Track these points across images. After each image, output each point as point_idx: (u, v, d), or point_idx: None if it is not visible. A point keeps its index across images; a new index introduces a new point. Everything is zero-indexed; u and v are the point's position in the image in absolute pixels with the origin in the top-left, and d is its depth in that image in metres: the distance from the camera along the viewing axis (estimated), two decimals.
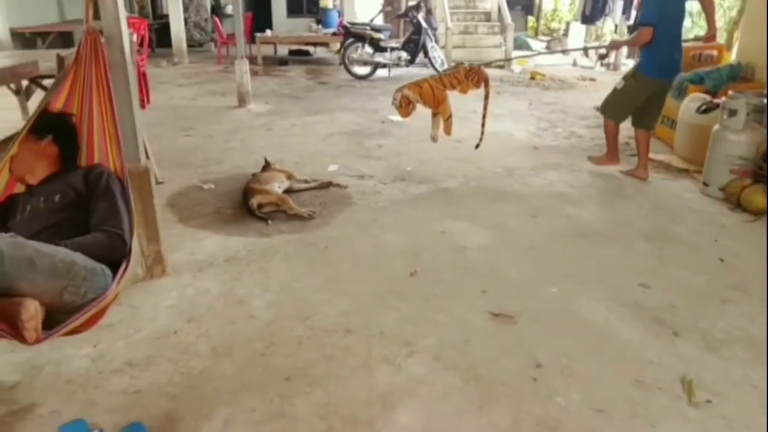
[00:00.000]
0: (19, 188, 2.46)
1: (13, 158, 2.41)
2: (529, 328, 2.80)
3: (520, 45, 13.41)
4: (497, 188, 4.78)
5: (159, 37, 13.51)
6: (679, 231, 3.98)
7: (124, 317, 2.75)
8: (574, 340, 2.70)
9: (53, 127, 2.48)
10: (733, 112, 4.41)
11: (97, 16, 2.68)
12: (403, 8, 13.04)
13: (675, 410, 2.27)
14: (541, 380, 2.41)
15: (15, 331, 1.70)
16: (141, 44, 7.55)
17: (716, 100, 5.12)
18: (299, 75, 10.85)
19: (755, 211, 4.19)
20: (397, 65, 10.55)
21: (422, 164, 5.36)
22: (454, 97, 4.80)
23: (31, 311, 1.71)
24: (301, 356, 2.52)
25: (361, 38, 10.36)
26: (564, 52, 12.71)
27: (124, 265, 2.09)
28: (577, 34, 13.57)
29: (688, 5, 4.84)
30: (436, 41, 11.09)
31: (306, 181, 4.72)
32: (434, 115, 4.82)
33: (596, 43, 12.20)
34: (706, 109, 5.17)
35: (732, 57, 6.43)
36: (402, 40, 11.23)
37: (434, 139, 4.88)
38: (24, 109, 5.20)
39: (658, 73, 4.71)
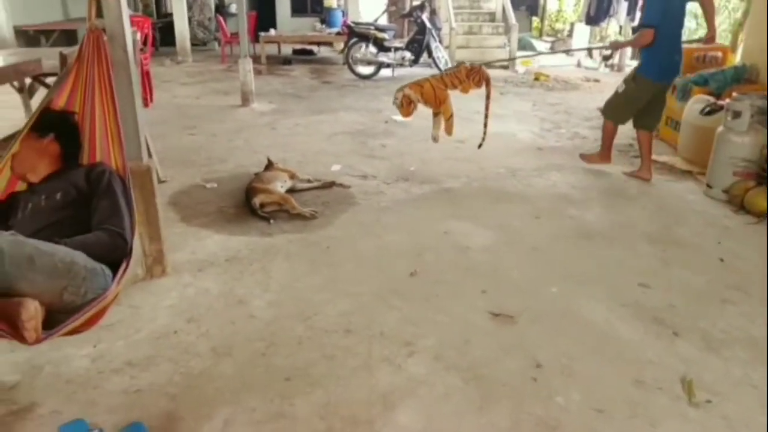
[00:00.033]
0: (21, 186, 2.46)
1: (15, 156, 2.41)
2: (530, 328, 2.80)
3: (524, 46, 13.40)
4: (500, 189, 4.77)
5: (163, 35, 13.52)
6: (682, 233, 3.97)
7: (124, 317, 2.75)
8: (575, 340, 2.70)
9: (55, 125, 2.48)
10: (737, 114, 4.40)
11: (100, 14, 2.69)
12: (408, 8, 13.03)
13: (675, 410, 2.26)
14: (541, 380, 2.41)
15: (15, 331, 1.70)
16: (145, 43, 7.55)
17: (720, 102, 5.11)
18: (303, 74, 10.86)
19: (758, 213, 4.18)
20: (401, 65, 10.54)
21: (425, 164, 5.35)
22: (456, 97, 4.80)
23: (31, 311, 1.71)
24: (302, 356, 2.52)
25: (365, 38, 10.35)
26: (565, 52, 12.71)
27: (124, 265, 2.09)
28: (582, 35, 13.55)
29: (691, 7, 4.84)
30: (440, 41, 11.08)
31: (309, 181, 4.72)
32: (435, 114, 4.82)
33: (600, 44, 12.16)
34: (710, 110, 5.16)
35: (736, 59, 6.40)
36: (406, 40, 11.22)
37: (435, 139, 4.88)
38: (27, 107, 5.20)
39: (659, 75, 4.74)
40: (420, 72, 9.98)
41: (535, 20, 16.85)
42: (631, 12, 11.48)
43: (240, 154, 5.60)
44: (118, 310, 2.74)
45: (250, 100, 7.86)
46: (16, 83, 5.11)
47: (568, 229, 3.99)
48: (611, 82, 9.20)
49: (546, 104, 8.35)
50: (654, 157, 5.24)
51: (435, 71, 9.62)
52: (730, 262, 3.54)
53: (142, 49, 5.57)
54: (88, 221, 2.23)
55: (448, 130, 4.79)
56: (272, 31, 12.55)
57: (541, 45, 14.19)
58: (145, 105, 4.99)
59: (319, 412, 2.19)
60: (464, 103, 5.46)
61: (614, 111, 5.04)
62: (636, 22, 11.03)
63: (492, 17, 13.01)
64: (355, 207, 4.31)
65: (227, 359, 2.49)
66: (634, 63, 6.29)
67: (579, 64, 12.32)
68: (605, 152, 5.23)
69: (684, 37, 5.06)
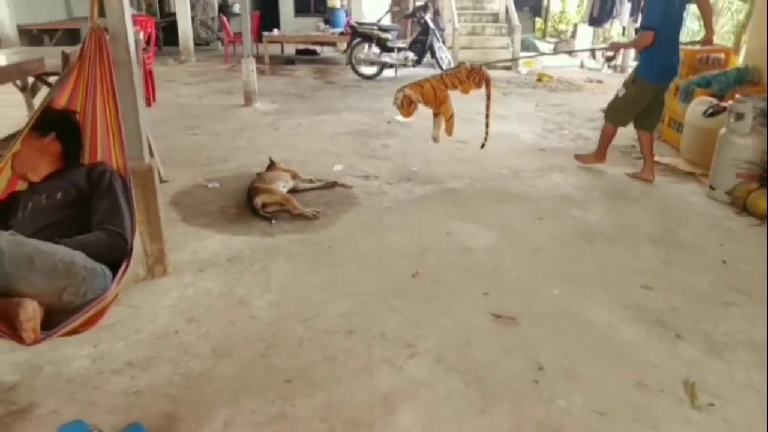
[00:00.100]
0: (22, 185, 2.45)
1: (16, 155, 2.40)
2: (531, 330, 2.79)
3: (527, 46, 13.38)
4: (503, 189, 4.76)
5: (166, 35, 13.54)
6: (684, 234, 3.96)
7: (124, 317, 2.75)
8: (576, 342, 2.69)
9: (56, 125, 2.47)
10: (740, 116, 4.39)
11: (102, 13, 2.68)
12: (411, 9, 13.02)
13: (677, 413, 2.25)
14: (542, 383, 2.40)
15: (13, 332, 1.69)
16: (148, 42, 7.56)
17: (723, 104, 5.09)
18: (306, 74, 10.86)
19: (760, 216, 4.16)
20: (404, 65, 10.54)
21: (428, 165, 5.35)
22: (457, 98, 4.79)
23: (30, 312, 1.70)
24: (302, 357, 2.51)
25: (368, 38, 10.34)
26: (566, 53, 12.68)
27: (124, 265, 2.09)
28: (585, 36, 13.52)
29: (694, 9, 4.85)
30: (444, 42, 11.07)
31: (311, 181, 4.71)
32: (435, 115, 4.81)
33: (601, 46, 12.15)
34: (713, 112, 5.14)
35: (739, 60, 6.38)
36: (409, 40, 11.22)
37: (435, 139, 4.88)
38: (30, 106, 5.20)
39: (658, 78, 4.78)
40: (423, 72, 9.96)
41: (539, 21, 16.82)
42: (634, 13, 11.47)
43: (242, 153, 5.60)
44: (118, 310, 2.74)
45: (252, 99, 7.85)
46: (18, 82, 5.12)
47: (571, 230, 3.97)
48: (614, 83, 9.17)
49: (549, 105, 8.34)
50: (657, 158, 5.24)
51: (438, 72, 9.62)
52: (732, 264, 3.53)
53: (145, 49, 5.58)
54: (89, 221, 2.22)
55: (449, 131, 4.78)
56: (275, 31, 12.52)
57: (544, 46, 14.17)
58: (148, 104, 4.99)
59: (320, 414, 2.18)
60: (466, 103, 5.44)
61: (615, 114, 5.08)
62: (639, 24, 11.05)
63: (495, 18, 13.00)
64: (357, 207, 4.30)
65: (227, 360, 2.48)
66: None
67: (582, 65, 12.31)
68: (600, 152, 5.29)
69: (685, 39, 5.07)
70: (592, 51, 12.19)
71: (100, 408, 2.17)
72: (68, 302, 1.90)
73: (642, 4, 10.96)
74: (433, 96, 4.61)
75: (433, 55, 10.59)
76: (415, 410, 2.22)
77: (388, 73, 10.47)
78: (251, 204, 4.11)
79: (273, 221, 3.95)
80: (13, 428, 2.07)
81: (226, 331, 2.69)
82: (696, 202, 4.57)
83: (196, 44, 12.48)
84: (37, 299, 1.78)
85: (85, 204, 2.27)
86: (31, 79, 5.14)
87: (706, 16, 4.87)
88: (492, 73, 4.81)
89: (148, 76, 5.13)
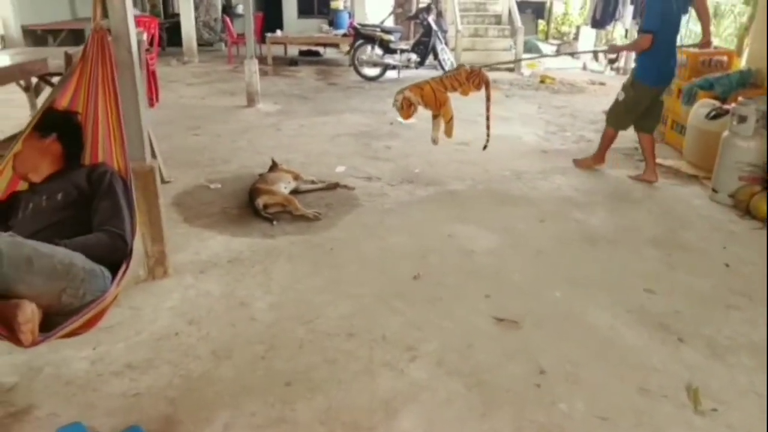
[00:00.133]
0: (22, 186, 2.45)
1: (17, 156, 2.39)
2: (533, 333, 2.78)
3: (530, 48, 13.37)
4: (505, 191, 4.75)
5: (170, 35, 13.53)
6: (687, 237, 3.94)
7: (124, 318, 2.74)
8: (579, 346, 2.67)
9: (58, 125, 2.46)
10: (742, 119, 4.37)
11: (105, 14, 2.68)
12: (414, 10, 13.01)
13: (680, 418, 2.24)
14: (544, 387, 2.38)
15: (11, 334, 1.69)
16: (151, 43, 7.56)
17: (726, 107, 5.08)
18: (309, 75, 10.86)
19: (762, 219, 4.15)
20: (407, 67, 10.53)
21: (430, 166, 5.34)
22: (460, 100, 4.78)
23: (28, 314, 1.70)
24: (303, 360, 2.50)
25: (371, 40, 10.34)
26: (565, 54, 12.67)
27: (124, 267, 2.08)
28: (588, 38, 13.51)
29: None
30: (446, 43, 11.07)
31: (313, 182, 4.71)
32: (435, 117, 4.81)
33: (604, 48, 12.13)
34: (716, 115, 5.13)
35: (742, 63, 6.37)
36: (412, 42, 11.21)
37: (435, 141, 4.87)
38: (33, 106, 5.21)
39: (657, 81, 4.83)
40: (426, 74, 9.95)
41: (541, 23, 16.82)
42: (636, 15, 11.45)
43: (244, 154, 5.59)
44: (118, 312, 2.73)
45: (255, 100, 7.85)
46: (22, 82, 5.12)
47: (573, 233, 3.96)
48: (617, 86, 9.14)
49: (551, 107, 8.32)
50: (659, 160, 5.23)
51: (441, 73, 9.62)
52: (735, 268, 3.51)
53: (148, 50, 5.58)
54: (89, 222, 2.21)
55: (448, 133, 4.78)
56: (279, 32, 12.54)
57: (547, 48, 14.15)
58: (151, 105, 5.00)
59: (320, 417, 2.17)
60: (468, 105, 5.44)
61: (616, 118, 5.11)
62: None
63: (498, 20, 12.98)
64: (358, 209, 4.30)
65: (227, 362, 2.47)
66: None
67: (585, 67, 12.29)
68: (599, 155, 5.32)
69: (687, 42, 5.09)
70: (595, 53, 12.18)
71: (99, 410, 2.16)
72: (67, 304, 1.89)
73: (642, 7, 10.99)
74: (433, 98, 4.61)
75: (436, 56, 10.59)
76: (416, 414, 2.21)
77: (390, 74, 10.47)
78: (253, 205, 4.10)
79: (274, 222, 3.94)
80: (12, 430, 2.06)
81: (226, 333, 2.68)
82: (699, 205, 4.56)
83: (199, 45, 12.48)
84: (36, 301, 1.77)
85: (86, 205, 2.26)
86: (34, 80, 5.15)
87: (704, 19, 4.94)
88: (495, 75, 4.82)
89: (151, 76, 5.13)
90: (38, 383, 2.30)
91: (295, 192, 4.45)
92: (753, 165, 4.37)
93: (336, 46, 12.93)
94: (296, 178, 4.59)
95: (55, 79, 4.70)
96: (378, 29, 10.72)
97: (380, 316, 2.86)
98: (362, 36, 10.43)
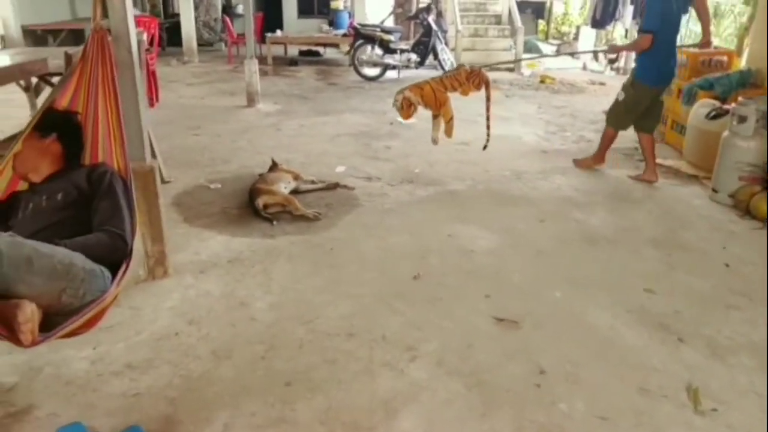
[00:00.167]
0: (23, 186, 2.45)
1: (17, 156, 2.39)
2: (533, 333, 2.78)
3: (530, 48, 13.37)
4: (505, 191, 4.75)
5: (170, 35, 13.54)
6: (687, 237, 3.94)
7: (124, 319, 2.74)
8: (579, 346, 2.67)
9: (58, 125, 2.46)
10: (742, 119, 4.38)
11: (106, 15, 2.68)
12: (414, 10, 13.02)
13: (680, 418, 2.24)
14: (544, 387, 2.38)
15: (11, 334, 1.68)
16: (151, 43, 7.56)
17: (726, 107, 5.08)
18: (309, 75, 10.86)
19: (762, 219, 4.15)
20: (407, 67, 10.53)
21: (430, 166, 5.34)
22: (460, 100, 4.78)
23: (28, 314, 1.69)
24: (303, 360, 2.50)
25: (371, 40, 10.34)
26: (565, 54, 12.67)
27: (124, 267, 2.08)
28: (588, 38, 13.51)
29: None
30: (446, 43, 11.07)
31: (313, 182, 4.71)
32: (435, 117, 4.81)
33: (604, 48, 12.14)
34: (716, 115, 5.13)
35: (742, 63, 6.37)
36: (412, 42, 11.21)
37: (435, 141, 4.88)
38: (33, 106, 5.22)
39: (657, 81, 4.84)
40: (426, 74, 9.95)
41: (541, 23, 16.82)
42: (636, 15, 11.46)
43: (244, 154, 5.59)
44: (119, 312, 2.73)
45: (255, 100, 7.85)
46: (22, 82, 5.13)
47: (573, 233, 3.96)
48: (617, 86, 9.14)
49: (551, 107, 8.32)
50: (659, 160, 5.23)
51: (441, 73, 9.62)
52: (735, 268, 3.51)
53: (148, 50, 5.58)
54: (89, 222, 2.21)
55: (448, 133, 4.78)
56: (279, 32, 12.54)
57: (547, 48, 14.15)
58: (151, 105, 5.00)
59: (320, 417, 2.17)
60: (468, 105, 5.44)
61: (616, 118, 5.13)
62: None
63: (498, 20, 12.98)
64: (358, 209, 4.30)
65: (227, 362, 2.47)
66: None
67: (585, 67, 12.29)
68: (599, 155, 5.34)
69: (688, 42, 5.11)
70: (595, 53, 12.18)
71: (99, 410, 2.16)
72: (67, 304, 1.89)
73: (642, 7, 10.99)
74: (433, 98, 4.61)
75: (436, 56, 10.59)
76: (415, 414, 2.21)
77: (390, 74, 10.47)
78: (253, 205, 4.10)
79: (274, 222, 3.94)
80: (11, 430, 2.06)
81: (226, 333, 2.68)
82: (699, 205, 4.56)
83: (199, 45, 12.48)
84: (36, 301, 1.77)
85: (86, 205, 2.26)
86: (34, 80, 5.15)
87: (704, 19, 4.96)
88: (494, 75, 4.82)
89: (151, 76, 5.13)
90: (38, 383, 2.30)
91: (295, 192, 4.45)
92: (753, 165, 4.37)
93: (336, 46, 12.93)
94: (296, 178, 4.59)
95: (55, 79, 4.70)
96: (378, 29, 10.72)
97: (380, 316, 2.86)
98: (362, 36, 10.43)
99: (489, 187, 4.86)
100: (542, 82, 10.30)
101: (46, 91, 4.95)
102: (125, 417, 2.12)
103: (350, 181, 4.84)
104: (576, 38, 14.56)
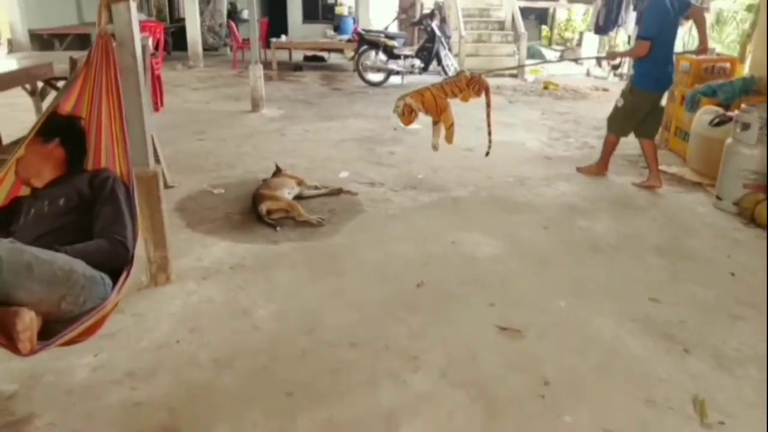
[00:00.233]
0: (25, 191, 2.44)
1: (20, 161, 2.38)
2: (537, 343, 2.75)
3: (533, 54, 13.35)
4: (509, 198, 4.73)
5: (175, 40, 13.59)
6: (691, 245, 3.92)
7: (126, 326, 2.73)
8: (583, 356, 2.65)
9: (61, 130, 2.45)
10: (746, 126, 4.35)
11: (111, 20, 2.68)
12: (418, 16, 13.03)
13: (686, 431, 2.20)
14: (548, 398, 2.36)
15: (9, 342, 1.67)
16: (156, 47, 7.58)
17: (729, 113, 5.07)
18: (313, 81, 10.86)
19: (764, 227, 4.12)
20: (411, 73, 10.53)
21: (433, 172, 5.32)
22: (464, 106, 4.76)
23: (27, 322, 1.68)
24: (305, 370, 2.48)
25: (375, 45, 10.35)
26: (566, 60, 12.68)
27: (125, 274, 2.06)
28: (591, 43, 13.50)
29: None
30: (450, 49, 11.07)
31: (316, 188, 4.70)
32: (435, 123, 4.80)
33: (602, 54, 12.13)
34: (719, 122, 5.12)
35: (745, 70, 6.35)
36: (416, 47, 11.22)
37: (435, 147, 4.86)
38: (39, 110, 5.22)
39: (655, 87, 4.89)
40: (429, 80, 9.89)
41: (545, 29, 16.80)
42: (638, 22, 11.45)
43: (248, 159, 5.59)
44: (120, 319, 2.72)
45: (260, 105, 7.85)
46: (28, 86, 5.14)
47: (577, 240, 3.94)
48: (620, 92, 9.15)
49: (555, 113, 8.30)
50: (663, 167, 5.22)
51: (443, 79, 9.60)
52: (740, 276, 3.48)
53: (153, 54, 5.59)
54: (91, 228, 2.20)
55: (449, 139, 4.77)
56: (283, 38, 12.56)
57: (550, 53, 14.12)
58: (156, 109, 5.00)
59: (322, 429, 2.15)
60: (471, 112, 5.41)
61: (616, 125, 5.16)
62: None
63: (501, 26, 12.98)
64: (362, 214, 4.28)
65: (228, 371, 2.45)
66: None
67: (588, 73, 12.28)
68: (602, 163, 5.35)
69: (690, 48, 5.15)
70: (598, 59, 12.17)
71: (99, 420, 2.14)
72: (67, 311, 1.87)
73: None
74: (433, 104, 4.60)
75: (440, 62, 10.59)
76: (418, 426, 2.18)
77: (394, 80, 10.47)
78: (256, 210, 4.09)
79: (278, 228, 3.93)
80: None
81: (228, 342, 2.66)
82: (703, 212, 4.53)
83: (204, 50, 12.51)
84: (36, 308, 1.75)
85: (88, 210, 2.25)
86: (40, 84, 5.17)
87: (701, 27, 4.99)
88: (498, 81, 4.81)
89: (156, 81, 5.14)
90: (38, 391, 2.28)
91: (298, 197, 4.44)
92: (757, 173, 4.34)
93: (340, 51, 12.93)
94: (300, 183, 4.59)
95: (61, 84, 4.70)
96: (382, 35, 10.72)
97: (383, 326, 2.84)
98: (366, 41, 10.44)
99: (492, 193, 4.84)
100: (545, 88, 10.29)
101: (52, 95, 4.96)
102: (124, 428, 2.11)
103: (354, 186, 4.82)
104: (579, 44, 14.55)
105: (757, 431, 2.23)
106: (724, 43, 11.29)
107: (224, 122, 7.18)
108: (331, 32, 14.06)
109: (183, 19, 12.90)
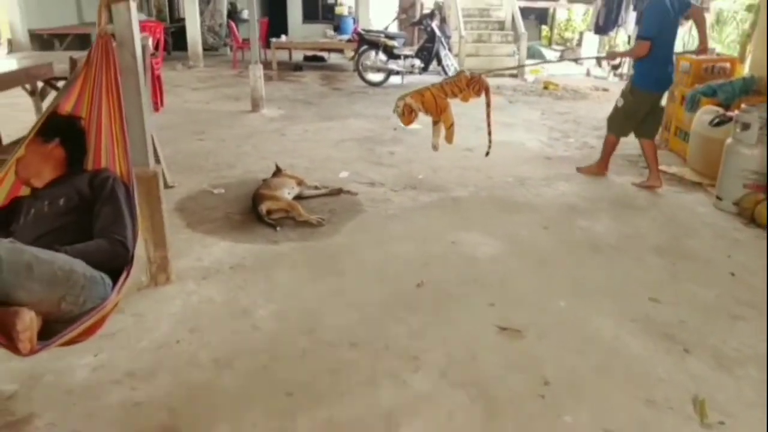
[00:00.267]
0: (25, 191, 2.43)
1: (20, 161, 2.38)
2: (538, 343, 2.75)
3: (533, 54, 13.35)
4: (509, 198, 4.73)
5: (175, 40, 13.59)
6: (692, 245, 3.92)
7: (126, 326, 2.72)
8: (583, 356, 2.65)
9: (61, 130, 2.45)
10: (746, 126, 4.35)
11: (111, 20, 2.68)
12: (418, 16, 13.03)
13: (687, 431, 2.20)
14: (548, 398, 2.36)
15: (9, 342, 1.67)
16: (156, 47, 7.58)
17: (729, 114, 5.07)
18: (313, 80, 10.86)
19: (764, 227, 4.12)
20: (411, 73, 10.53)
21: (433, 172, 5.32)
22: (464, 106, 4.76)
23: (26, 322, 1.67)
24: (304, 370, 2.48)
25: (375, 45, 10.35)
26: (566, 60, 12.69)
27: (125, 274, 2.06)
28: (591, 43, 13.51)
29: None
30: (450, 49, 11.07)
31: (316, 188, 4.70)
32: (435, 123, 4.81)
33: (602, 54, 12.14)
34: (719, 122, 5.12)
35: (745, 70, 6.35)
36: (416, 47, 11.22)
37: (435, 147, 4.86)
38: (39, 110, 5.22)
39: (655, 87, 4.90)
40: (429, 80, 9.89)
41: (545, 29, 16.80)
42: (639, 22, 11.46)
43: (248, 159, 5.59)
44: (120, 319, 2.72)
45: (260, 105, 7.85)
46: (28, 86, 5.14)
47: (577, 240, 3.94)
48: (620, 92, 9.14)
49: (555, 113, 8.30)
50: (663, 167, 5.22)
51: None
52: (740, 277, 3.48)
53: (153, 54, 5.59)
54: (91, 228, 2.20)
55: (449, 139, 4.77)
56: (283, 38, 12.56)
57: (550, 53, 14.13)
58: (156, 109, 5.00)
59: (322, 429, 2.15)
60: (472, 112, 5.42)
61: (616, 125, 5.17)
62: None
63: (501, 26, 12.99)
64: (362, 214, 4.28)
65: (228, 371, 2.45)
66: None
67: (588, 73, 12.28)
68: (602, 163, 5.36)
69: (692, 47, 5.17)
70: (598, 59, 12.19)
71: (99, 420, 2.14)
72: (67, 311, 1.87)
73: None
74: (433, 104, 4.61)
75: (440, 62, 10.60)
76: (418, 427, 2.18)
77: (394, 80, 10.47)
78: (256, 210, 4.09)
79: (278, 228, 3.93)
80: None
81: (228, 342, 2.66)
82: (703, 212, 4.53)
83: (204, 50, 12.51)
84: (35, 308, 1.75)
85: (88, 210, 2.25)
86: (40, 84, 5.16)
87: (701, 27, 5.01)
88: (498, 81, 4.81)
89: (156, 81, 5.14)
90: (38, 391, 2.28)
91: (298, 197, 4.44)
92: (757, 173, 4.34)
93: (340, 51, 12.93)
94: (300, 183, 4.59)
95: (61, 83, 4.71)
96: (382, 35, 10.73)
97: (383, 325, 2.83)
98: (366, 41, 10.44)
99: (492, 193, 4.84)
100: (546, 88, 10.29)
101: (52, 95, 4.95)
102: (124, 428, 2.11)
103: (354, 186, 4.82)
104: (579, 44, 14.56)
105: (757, 431, 2.22)
106: (724, 43, 11.30)
107: (224, 122, 7.18)
108: (331, 32, 14.06)
109: (183, 19, 12.90)
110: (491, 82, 4.78)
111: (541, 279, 3.40)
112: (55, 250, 1.94)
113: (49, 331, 1.81)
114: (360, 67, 10.40)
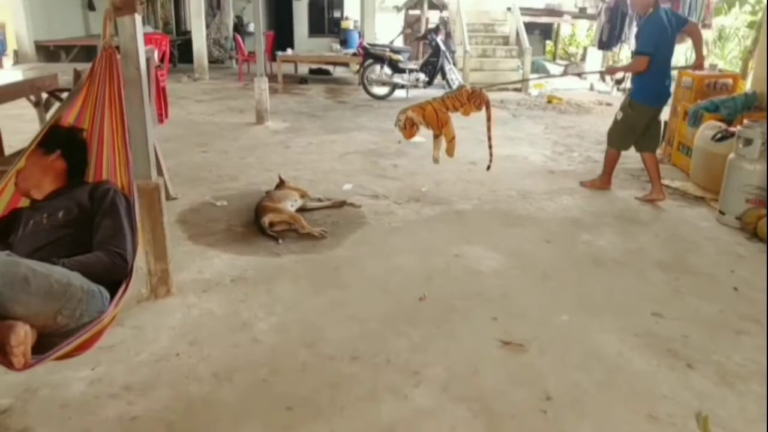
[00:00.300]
0: (24, 202, 2.43)
1: (20, 172, 2.37)
2: (540, 358, 2.73)
3: (537, 69, 13.40)
4: (512, 212, 4.72)
5: (181, 52, 13.67)
6: (695, 260, 3.90)
7: (125, 338, 2.71)
8: (585, 371, 2.63)
9: (62, 142, 2.44)
10: (748, 142, 4.35)
11: (116, 32, 2.69)
12: (423, 31, 13.10)
13: None
14: (551, 413, 2.34)
15: (3, 356, 1.65)
16: (162, 59, 7.63)
17: (732, 129, 5.07)
18: (318, 93, 10.90)
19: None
20: (415, 86, 10.57)
21: (437, 185, 5.32)
22: (468, 120, 4.79)
23: (21, 336, 1.66)
24: (305, 384, 2.46)
25: (380, 59, 10.41)
26: (569, 75, 12.72)
27: (123, 287, 2.05)
28: (595, 58, 13.56)
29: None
30: (454, 64, 11.11)
31: (320, 200, 4.70)
32: (436, 136, 4.82)
33: (600, 69, 12.17)
34: (722, 137, 5.11)
35: (747, 86, 6.36)
36: (420, 62, 11.26)
37: (436, 160, 4.88)
38: (43, 121, 5.25)
39: (653, 101, 4.95)
40: (434, 93, 9.92)
41: (549, 44, 16.87)
42: (636, 37, 11.50)
43: (252, 171, 5.60)
44: (119, 331, 2.71)
45: (264, 118, 7.88)
46: (32, 97, 5.17)
47: (580, 255, 3.92)
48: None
49: (558, 127, 8.30)
50: (666, 182, 5.22)
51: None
52: (743, 291, 3.46)
53: (159, 66, 5.62)
54: (90, 240, 2.19)
55: (450, 152, 4.79)
56: (289, 51, 12.63)
57: (554, 68, 14.19)
58: (160, 121, 5.02)
59: None
60: (476, 125, 5.43)
61: (617, 139, 5.20)
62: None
63: (506, 41, 13.03)
64: (365, 227, 4.28)
65: (228, 385, 2.43)
66: None
67: (592, 88, 12.31)
68: (606, 177, 5.37)
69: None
70: (601, 74, 12.22)
71: None
72: (63, 325, 1.85)
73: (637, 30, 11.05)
74: (434, 118, 4.63)
75: (444, 76, 10.62)
76: None
77: (399, 93, 10.50)
78: (259, 223, 4.09)
79: (280, 241, 3.92)
80: None
81: (228, 355, 2.65)
82: (706, 227, 4.51)
83: (210, 62, 12.58)
84: (31, 321, 1.73)
85: (87, 223, 2.24)
86: (44, 95, 5.19)
87: (697, 43, 5.06)
88: (502, 95, 4.82)
89: (161, 93, 5.17)
90: (33, 405, 2.26)
91: (302, 210, 4.44)
92: (759, 188, 4.33)
93: (346, 65, 13.00)
94: (303, 195, 4.59)
95: (65, 95, 4.74)
96: (387, 49, 10.79)
97: (385, 339, 2.82)
98: (372, 55, 10.50)
99: (496, 207, 4.83)
100: (549, 102, 10.30)
101: (56, 107, 4.98)
102: None
103: (357, 199, 4.82)
104: (583, 59, 14.59)
105: None
106: (726, 59, 11.32)
107: (228, 134, 7.20)
108: (336, 46, 14.13)
109: (189, 32, 13.00)
110: (495, 96, 4.80)
111: (543, 293, 3.38)
112: (53, 262, 1.93)
113: (44, 345, 1.79)
114: (365, 81, 10.45)
